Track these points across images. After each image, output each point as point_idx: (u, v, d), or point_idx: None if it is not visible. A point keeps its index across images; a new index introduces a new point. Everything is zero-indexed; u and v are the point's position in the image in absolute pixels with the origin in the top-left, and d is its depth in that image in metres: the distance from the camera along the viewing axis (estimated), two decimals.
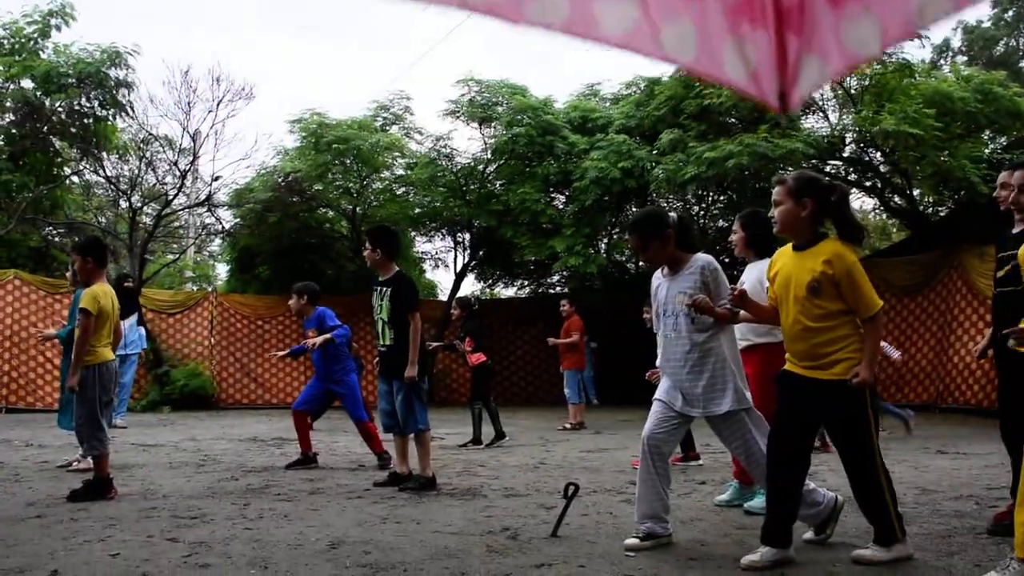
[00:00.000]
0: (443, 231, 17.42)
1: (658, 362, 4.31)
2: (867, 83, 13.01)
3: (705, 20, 1.51)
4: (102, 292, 5.62)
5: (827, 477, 5.88)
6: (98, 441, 5.52)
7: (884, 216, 23.89)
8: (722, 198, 15.64)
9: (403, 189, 16.46)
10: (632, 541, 4.00)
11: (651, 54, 1.51)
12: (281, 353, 8.47)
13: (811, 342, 3.66)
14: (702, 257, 4.18)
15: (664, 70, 14.31)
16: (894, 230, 25.99)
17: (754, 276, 4.83)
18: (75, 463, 6.84)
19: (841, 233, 3.74)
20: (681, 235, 4.22)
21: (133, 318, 11.57)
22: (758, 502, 4.68)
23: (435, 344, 11.78)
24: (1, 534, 4.39)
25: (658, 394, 4.21)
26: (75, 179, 17.00)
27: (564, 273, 16.82)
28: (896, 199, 15.15)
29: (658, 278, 4.33)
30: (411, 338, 5.84)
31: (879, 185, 14.66)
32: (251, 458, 7.64)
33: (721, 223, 16.68)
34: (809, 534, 4.08)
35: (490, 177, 15.89)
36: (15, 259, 14.43)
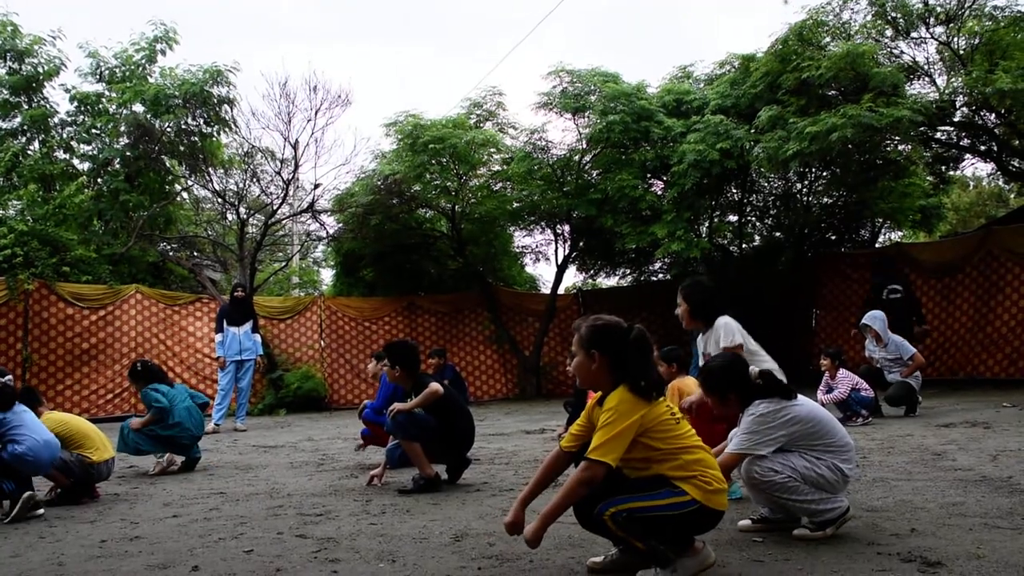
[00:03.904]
0: (542, 224, 17.41)
1: None
2: (976, 42, 12.38)
3: None
4: None
5: (957, 457, 5.62)
6: None
7: (1000, 181, 22.75)
8: (825, 174, 15.13)
9: (500, 184, 16.51)
10: (744, 523, 4.09)
11: None
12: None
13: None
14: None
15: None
16: (1011, 195, 24.74)
17: (702, 349, 4.78)
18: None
19: (630, 383, 3.21)
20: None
21: (248, 325, 11.99)
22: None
23: None
24: (144, 533, 4.59)
25: None
26: (185, 195, 17.72)
27: (666, 260, 16.60)
28: (1015, 163, 14.39)
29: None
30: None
31: (995, 149, 13.94)
32: (367, 456, 7.78)
33: (825, 200, 16.17)
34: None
35: (586, 167, 15.78)
36: (135, 274, 15.12)
